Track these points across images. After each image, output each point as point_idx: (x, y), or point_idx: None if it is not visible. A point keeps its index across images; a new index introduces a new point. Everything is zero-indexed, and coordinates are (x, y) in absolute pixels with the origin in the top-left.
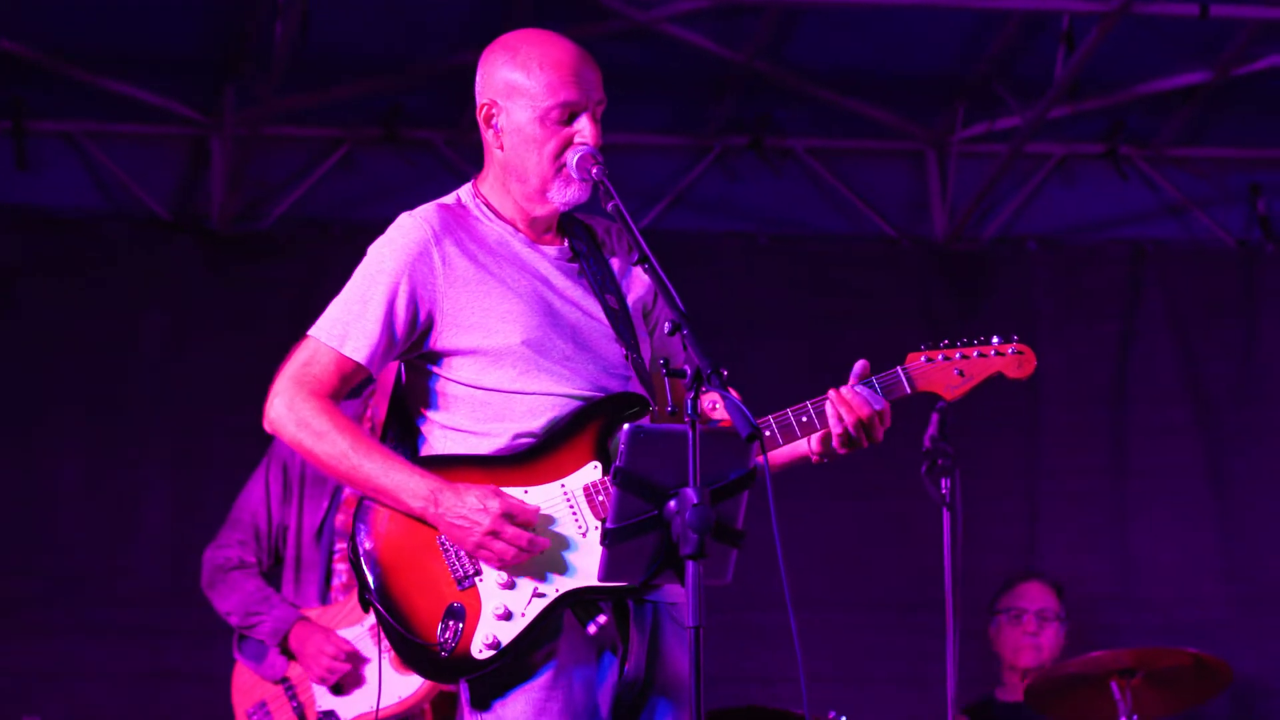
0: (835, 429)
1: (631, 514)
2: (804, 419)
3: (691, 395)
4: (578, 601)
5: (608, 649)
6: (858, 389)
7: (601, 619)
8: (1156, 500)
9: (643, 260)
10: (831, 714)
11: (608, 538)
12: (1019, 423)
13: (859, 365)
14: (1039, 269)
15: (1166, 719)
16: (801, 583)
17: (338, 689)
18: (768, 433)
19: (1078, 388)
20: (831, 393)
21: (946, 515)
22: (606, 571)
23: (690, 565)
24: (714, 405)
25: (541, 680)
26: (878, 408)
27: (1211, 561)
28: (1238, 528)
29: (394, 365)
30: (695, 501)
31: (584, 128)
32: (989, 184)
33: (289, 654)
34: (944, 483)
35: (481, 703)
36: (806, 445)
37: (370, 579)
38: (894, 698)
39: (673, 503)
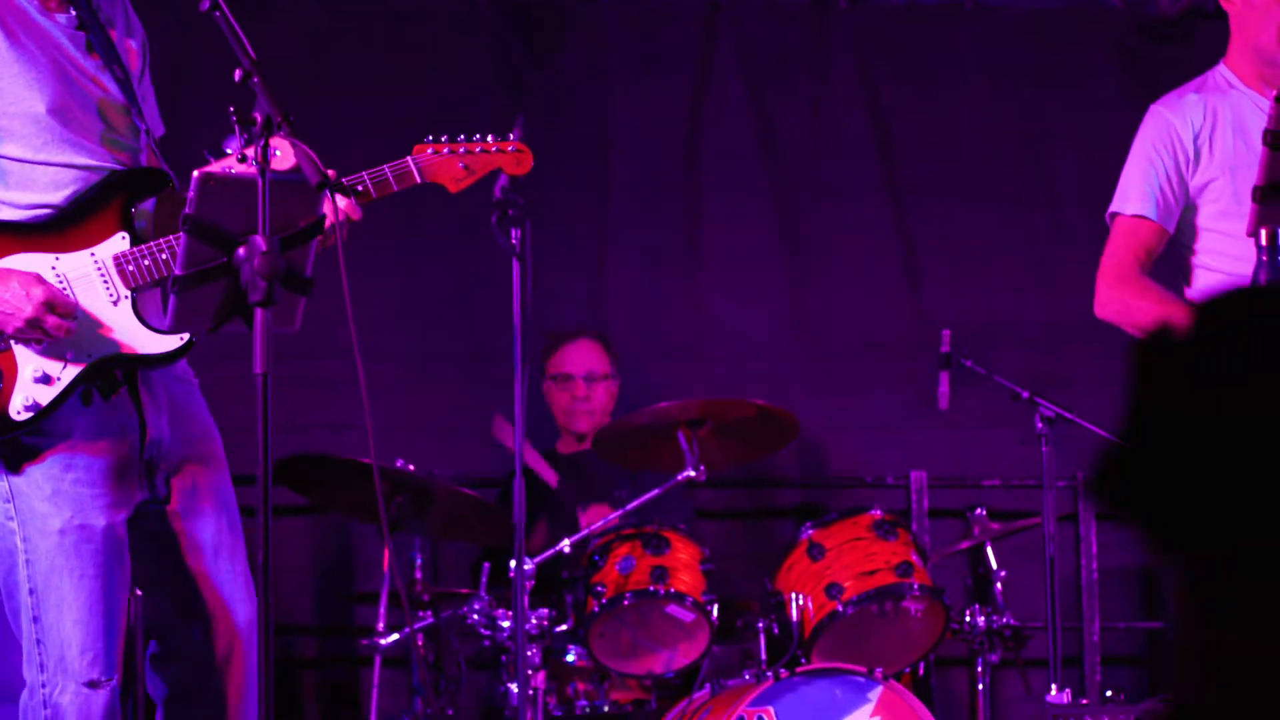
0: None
1: (200, 261)
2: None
3: (261, 142)
4: (101, 371)
5: (132, 414)
6: None
7: (123, 389)
8: (728, 255)
9: (214, 8)
10: (399, 462)
11: (177, 285)
12: (591, 178)
13: None
14: (612, 23)
15: (734, 468)
16: (370, 334)
17: None
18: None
19: (651, 143)
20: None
21: (516, 265)
22: (175, 320)
23: (258, 312)
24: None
25: (71, 441)
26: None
27: (782, 315)
28: (809, 283)
29: None
30: (264, 249)
31: None
32: None
33: None
34: (514, 233)
35: (12, 466)
36: None
37: None
38: (463, 448)
39: (241, 250)
